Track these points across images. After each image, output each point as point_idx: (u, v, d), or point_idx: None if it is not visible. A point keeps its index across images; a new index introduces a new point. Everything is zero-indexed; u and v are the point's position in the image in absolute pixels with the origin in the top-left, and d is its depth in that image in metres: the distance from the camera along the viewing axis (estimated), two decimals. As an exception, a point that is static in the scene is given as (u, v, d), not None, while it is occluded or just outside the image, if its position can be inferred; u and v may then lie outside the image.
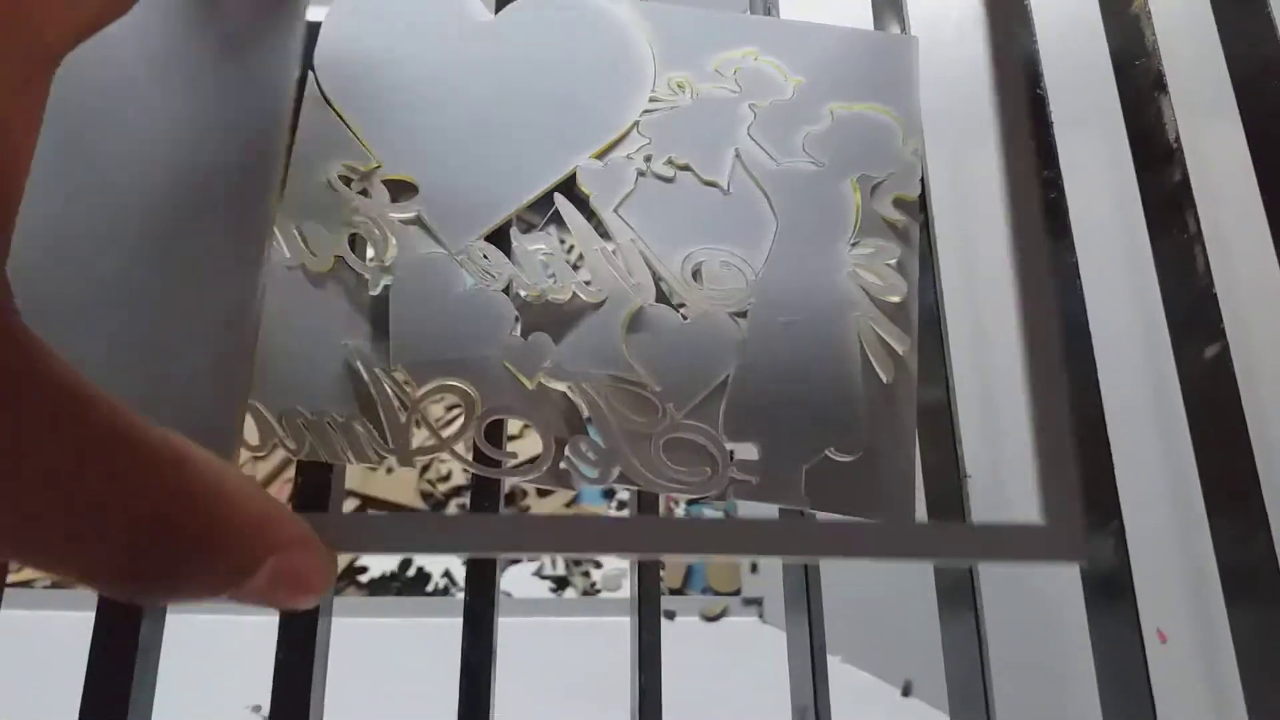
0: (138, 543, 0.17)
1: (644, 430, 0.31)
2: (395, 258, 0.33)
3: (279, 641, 0.29)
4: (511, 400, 0.32)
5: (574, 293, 0.33)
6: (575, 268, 0.34)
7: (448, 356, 0.32)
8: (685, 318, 0.33)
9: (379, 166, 0.35)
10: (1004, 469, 0.80)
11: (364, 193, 0.35)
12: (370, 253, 0.34)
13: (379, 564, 1.18)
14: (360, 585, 1.17)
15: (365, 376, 0.31)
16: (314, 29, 0.38)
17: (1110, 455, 0.34)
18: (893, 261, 0.34)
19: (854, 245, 0.34)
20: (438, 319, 0.32)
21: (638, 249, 0.34)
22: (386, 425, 0.31)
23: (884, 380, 0.32)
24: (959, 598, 0.33)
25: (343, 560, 1.19)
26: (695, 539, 0.22)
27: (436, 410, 0.33)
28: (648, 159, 0.35)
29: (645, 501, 0.33)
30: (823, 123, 0.36)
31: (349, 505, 1.18)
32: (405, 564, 1.19)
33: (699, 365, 0.32)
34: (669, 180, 0.35)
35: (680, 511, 1.21)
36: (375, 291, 0.33)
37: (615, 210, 0.34)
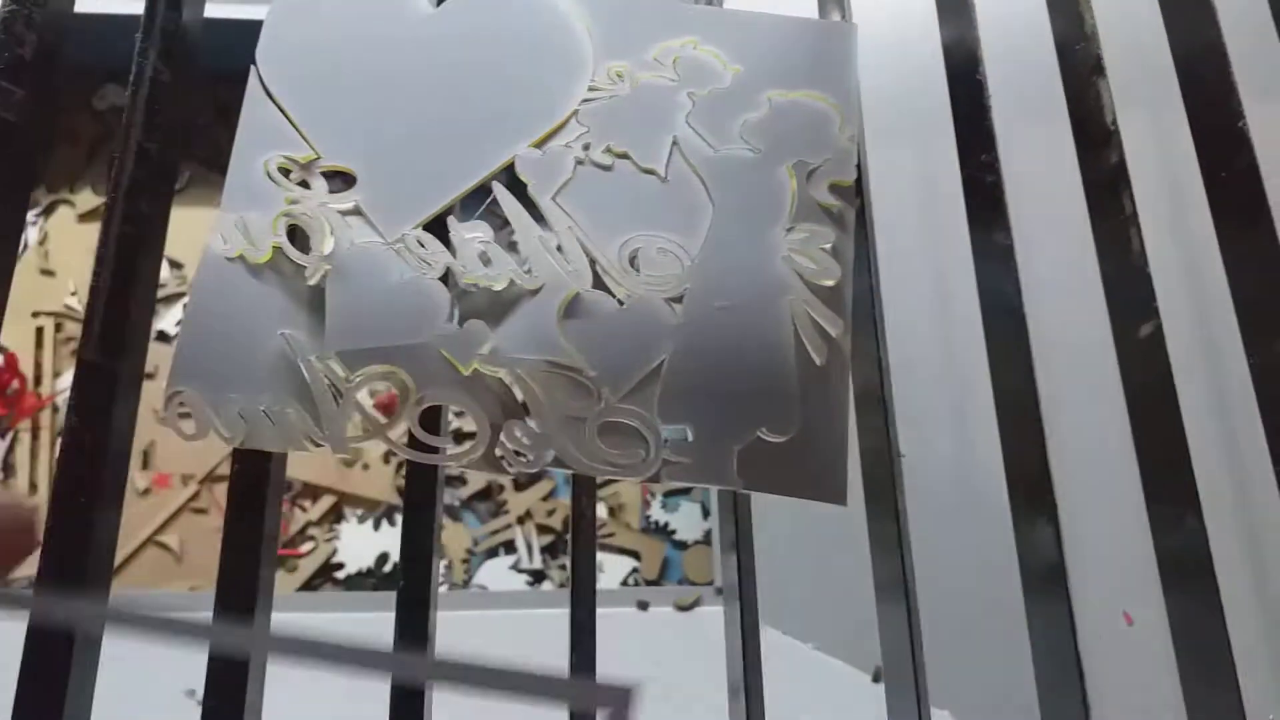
0: None
1: (579, 414, 0.31)
2: (333, 247, 0.33)
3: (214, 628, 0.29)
4: (447, 387, 0.32)
5: (511, 280, 0.33)
6: (524, 265, 0.34)
7: (382, 344, 0.32)
8: (622, 304, 0.33)
9: (318, 158, 0.35)
10: (978, 456, 0.81)
11: (303, 184, 0.35)
12: (312, 244, 0.34)
13: (355, 561, 1.18)
14: (337, 581, 1.17)
15: (300, 365, 0.31)
16: (255, 27, 0.38)
17: (1044, 446, 0.34)
18: (827, 246, 0.34)
19: (789, 230, 0.34)
20: (373, 307, 0.33)
21: (575, 236, 0.34)
22: (321, 413, 0.31)
23: (817, 363, 0.33)
24: (894, 588, 0.33)
25: (319, 558, 1.19)
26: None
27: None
28: (586, 147, 0.36)
29: (582, 485, 0.33)
30: (761, 110, 0.37)
31: (326, 502, 1.19)
32: (381, 560, 1.19)
33: (634, 350, 0.32)
34: (607, 168, 0.35)
35: (657, 503, 1.21)
36: (313, 281, 0.33)
37: (553, 198, 0.35)
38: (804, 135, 0.36)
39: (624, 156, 0.36)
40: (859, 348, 0.36)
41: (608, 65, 0.37)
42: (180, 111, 0.37)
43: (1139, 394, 0.35)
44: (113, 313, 0.33)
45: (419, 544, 0.31)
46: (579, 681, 0.22)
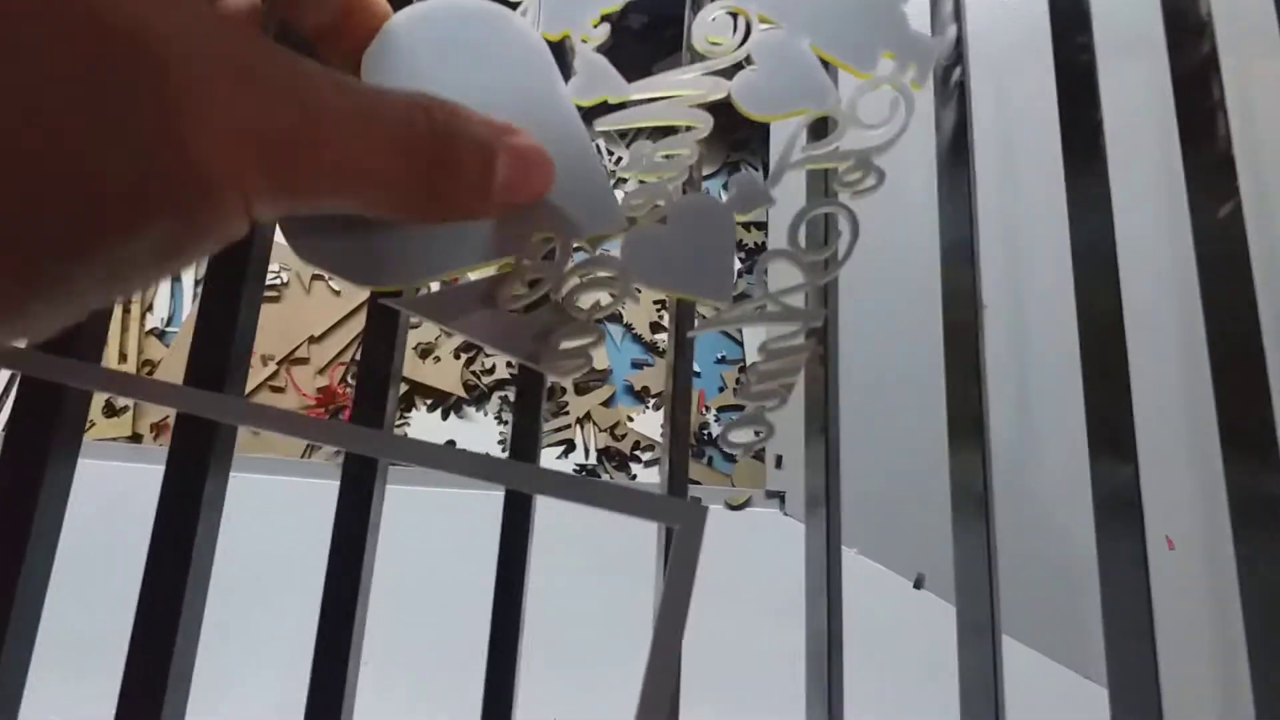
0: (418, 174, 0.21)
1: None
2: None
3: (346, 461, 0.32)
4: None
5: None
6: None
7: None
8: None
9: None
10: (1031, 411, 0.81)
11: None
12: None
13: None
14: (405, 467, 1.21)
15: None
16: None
17: (1127, 374, 0.34)
18: None
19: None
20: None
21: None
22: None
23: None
24: (972, 505, 0.34)
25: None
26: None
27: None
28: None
29: (679, 397, 0.34)
30: None
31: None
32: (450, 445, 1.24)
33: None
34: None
35: (712, 415, 1.23)
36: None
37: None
38: None
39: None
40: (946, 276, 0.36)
41: None
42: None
43: (1213, 275, 0.35)
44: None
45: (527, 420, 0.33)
46: (661, 496, 0.24)
